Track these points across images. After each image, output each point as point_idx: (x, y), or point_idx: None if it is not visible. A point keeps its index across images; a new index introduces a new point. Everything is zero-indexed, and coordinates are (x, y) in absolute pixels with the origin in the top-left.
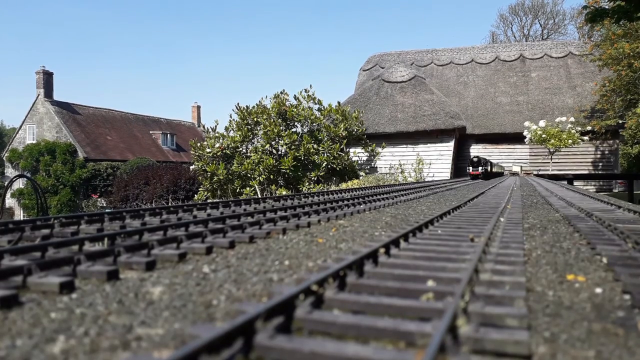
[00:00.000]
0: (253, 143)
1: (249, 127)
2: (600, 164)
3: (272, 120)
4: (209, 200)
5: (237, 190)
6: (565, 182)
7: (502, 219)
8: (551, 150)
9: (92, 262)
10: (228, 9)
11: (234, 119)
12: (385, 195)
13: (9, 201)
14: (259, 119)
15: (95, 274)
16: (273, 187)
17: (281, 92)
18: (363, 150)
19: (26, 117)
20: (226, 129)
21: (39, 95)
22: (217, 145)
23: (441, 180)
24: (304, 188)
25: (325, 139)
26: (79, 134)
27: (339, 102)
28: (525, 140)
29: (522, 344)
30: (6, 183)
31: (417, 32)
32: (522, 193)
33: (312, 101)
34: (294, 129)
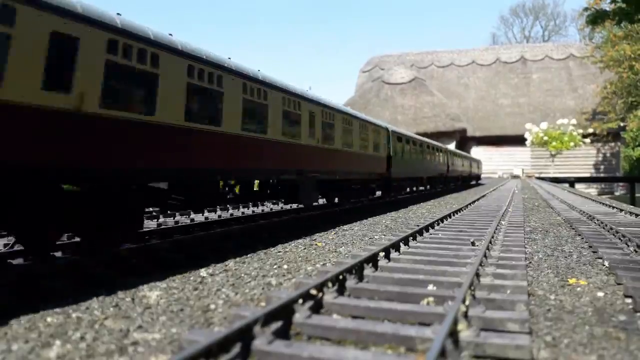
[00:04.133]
0: None
1: None
2: (602, 167)
3: None
4: None
5: None
6: (567, 185)
7: (503, 222)
8: (552, 152)
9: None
10: (227, 9)
11: None
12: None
13: None
14: None
15: None
16: None
17: None
18: None
19: None
20: None
21: None
22: None
23: None
24: None
25: None
26: None
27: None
28: (527, 142)
29: (524, 348)
30: None
31: (418, 34)
32: (524, 196)
33: None
34: None
